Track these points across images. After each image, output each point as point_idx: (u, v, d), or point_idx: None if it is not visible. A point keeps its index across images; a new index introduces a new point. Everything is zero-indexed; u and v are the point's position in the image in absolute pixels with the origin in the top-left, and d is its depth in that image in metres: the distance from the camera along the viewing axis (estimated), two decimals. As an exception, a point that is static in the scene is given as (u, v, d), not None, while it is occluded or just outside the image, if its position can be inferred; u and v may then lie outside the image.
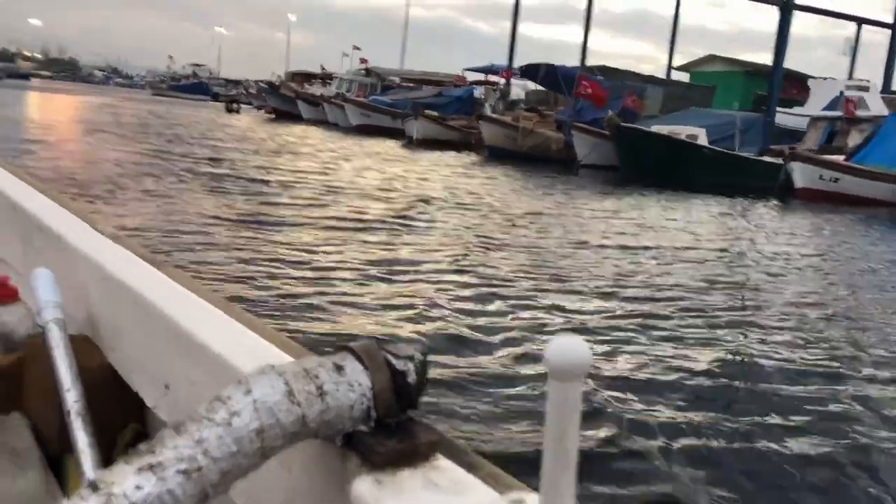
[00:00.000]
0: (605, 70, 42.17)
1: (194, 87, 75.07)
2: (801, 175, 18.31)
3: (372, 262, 7.02)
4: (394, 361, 0.74)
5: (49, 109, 34.02)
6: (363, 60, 48.41)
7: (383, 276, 6.57)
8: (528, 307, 5.95)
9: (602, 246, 9.33)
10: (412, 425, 0.75)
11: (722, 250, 10.04)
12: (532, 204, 13.35)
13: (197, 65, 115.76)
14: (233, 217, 8.67)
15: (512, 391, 4.09)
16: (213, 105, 57.79)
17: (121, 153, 14.91)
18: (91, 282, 1.35)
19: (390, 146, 26.87)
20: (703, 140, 20.60)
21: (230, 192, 10.83)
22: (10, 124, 20.41)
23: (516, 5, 47.03)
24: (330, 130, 34.45)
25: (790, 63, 27.21)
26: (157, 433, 0.68)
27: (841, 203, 17.51)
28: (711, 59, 55.59)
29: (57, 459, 1.27)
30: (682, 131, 20.73)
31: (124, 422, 1.26)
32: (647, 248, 9.47)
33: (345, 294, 5.84)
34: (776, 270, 8.87)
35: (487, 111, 29.90)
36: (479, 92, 36.76)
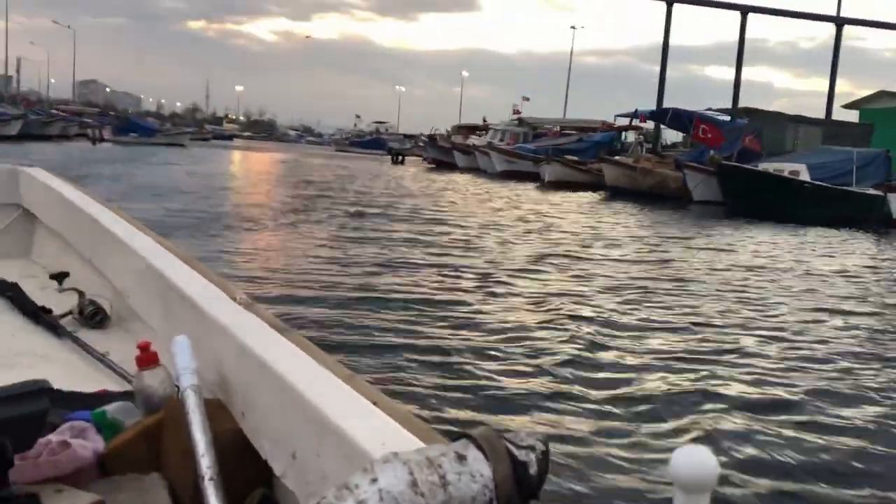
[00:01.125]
0: (750, 111, 42.69)
1: (371, 142, 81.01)
2: (900, 206, 18.91)
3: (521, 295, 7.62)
4: (515, 452, 0.74)
5: (240, 162, 39.37)
6: (516, 111, 51.39)
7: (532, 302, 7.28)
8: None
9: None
10: None
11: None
12: (639, 232, 15.21)
13: (380, 122, 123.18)
14: (353, 242, 11.44)
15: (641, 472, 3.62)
16: (386, 158, 62.89)
17: (284, 195, 18.49)
18: (225, 349, 1.42)
19: (526, 188, 29.30)
20: (804, 175, 21.43)
21: (362, 226, 13.24)
22: (210, 174, 24.94)
23: (665, 49, 48.67)
24: (478, 176, 37.40)
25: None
26: (283, 500, 0.82)
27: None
28: (880, 95, 53.81)
29: None
30: (784, 168, 21.71)
31: (252, 485, 1.29)
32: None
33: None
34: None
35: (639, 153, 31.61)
36: (633, 136, 38.53)
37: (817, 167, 23.28)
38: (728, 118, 40.99)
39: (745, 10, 49.14)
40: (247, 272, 7.68)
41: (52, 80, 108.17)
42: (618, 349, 5.76)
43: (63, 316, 2.04)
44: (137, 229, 2.19)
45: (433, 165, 48.82)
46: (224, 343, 1.43)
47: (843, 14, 50.94)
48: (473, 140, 49.35)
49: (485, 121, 63.53)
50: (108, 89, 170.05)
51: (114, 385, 1.63)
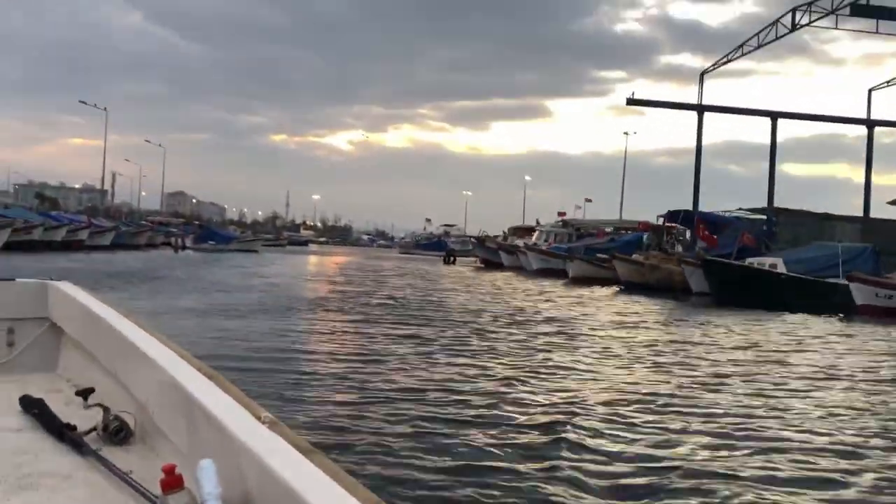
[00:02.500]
0: (780, 211, 45.07)
1: (434, 244, 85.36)
2: (859, 293, 21.22)
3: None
4: None
5: (301, 265, 43.42)
6: (561, 214, 54.86)
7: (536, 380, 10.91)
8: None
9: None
10: None
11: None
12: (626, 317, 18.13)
13: (448, 225, 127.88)
14: (395, 328, 14.78)
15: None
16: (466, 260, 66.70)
17: (339, 288, 22.11)
18: (250, 473, 1.42)
19: (554, 283, 32.32)
20: (781, 268, 23.95)
21: (403, 316, 16.85)
22: (268, 274, 28.87)
23: (698, 152, 51.73)
24: (519, 274, 40.61)
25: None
26: None
27: (894, 316, 20.16)
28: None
29: None
30: (766, 262, 24.31)
31: None
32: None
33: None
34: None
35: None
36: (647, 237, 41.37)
37: (806, 261, 25.71)
38: (754, 217, 43.58)
39: (774, 116, 52.07)
40: (262, 345, 10.94)
41: (144, 193, 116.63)
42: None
43: (87, 433, 2.02)
44: (161, 343, 2.22)
45: (482, 265, 52.32)
46: (249, 466, 1.42)
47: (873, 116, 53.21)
48: (518, 241, 52.82)
49: (538, 222, 67.22)
50: (194, 200, 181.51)
51: None
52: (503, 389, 8.02)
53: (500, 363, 9.84)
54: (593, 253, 38.17)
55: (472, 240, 64.56)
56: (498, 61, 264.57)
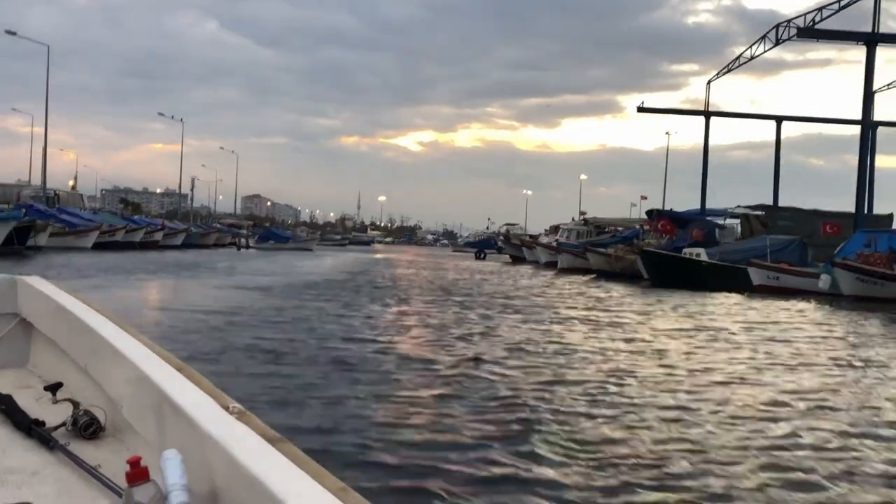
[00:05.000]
0: (768, 208, 49.25)
1: (482, 242, 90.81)
2: (756, 275, 26.10)
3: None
4: None
5: (346, 261, 49.67)
6: (583, 213, 59.78)
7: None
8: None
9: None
10: None
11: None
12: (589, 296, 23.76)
13: (510, 224, 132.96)
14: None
15: None
16: (491, 255, 72.20)
17: (339, 277, 28.18)
18: (217, 463, 1.43)
19: (546, 273, 37.75)
20: (704, 257, 28.92)
21: (371, 292, 22.90)
22: (307, 265, 35.17)
23: (705, 151, 55.88)
24: (532, 267, 46.14)
25: None
26: None
27: (781, 293, 24.96)
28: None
29: None
30: (692, 251, 29.33)
31: None
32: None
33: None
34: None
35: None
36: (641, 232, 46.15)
37: (741, 251, 30.49)
38: (755, 213, 47.71)
39: (779, 119, 55.94)
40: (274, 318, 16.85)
41: (220, 197, 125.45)
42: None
43: (56, 428, 1.97)
44: (132, 337, 2.20)
45: (510, 260, 57.90)
46: (216, 457, 1.43)
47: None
48: (544, 238, 58.13)
49: (582, 213, 72.17)
50: (268, 203, 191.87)
51: (105, 500, 1.60)
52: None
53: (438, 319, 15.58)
54: (594, 248, 43.30)
55: (501, 237, 70.11)
56: (567, 58, 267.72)
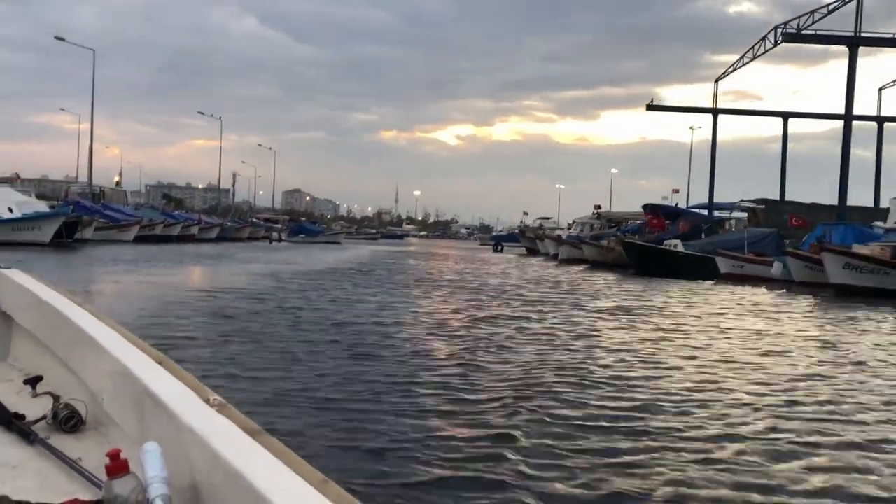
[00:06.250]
0: (768, 202, 51.33)
1: (503, 235, 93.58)
2: (723, 264, 28.62)
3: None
4: None
5: (366, 252, 52.88)
6: (596, 206, 62.14)
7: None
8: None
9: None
10: None
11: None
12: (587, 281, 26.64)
13: (544, 217, 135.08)
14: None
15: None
16: (514, 248, 74.89)
17: (347, 266, 31.32)
18: (196, 455, 1.44)
19: (552, 265, 40.52)
20: (680, 248, 31.46)
21: (363, 278, 26.01)
22: (327, 257, 38.40)
23: (713, 149, 57.81)
24: (541, 259, 48.88)
25: None
26: None
27: (744, 280, 27.45)
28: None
29: None
30: (671, 243, 31.90)
31: None
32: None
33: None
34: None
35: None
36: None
37: (721, 242, 32.93)
38: (757, 207, 49.90)
39: (785, 116, 57.76)
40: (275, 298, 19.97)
41: (261, 192, 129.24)
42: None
43: (36, 422, 1.97)
44: (113, 329, 2.19)
45: (525, 252, 60.65)
46: (196, 449, 1.43)
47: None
48: (559, 231, 60.79)
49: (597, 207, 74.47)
50: (307, 197, 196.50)
51: (86, 493, 1.58)
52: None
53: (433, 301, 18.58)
54: (599, 240, 45.91)
55: (516, 230, 72.79)
56: (604, 50, 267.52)
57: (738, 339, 11.98)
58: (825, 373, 8.98)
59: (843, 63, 38.37)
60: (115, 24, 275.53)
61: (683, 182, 59.09)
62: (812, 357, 10.32)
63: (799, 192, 45.85)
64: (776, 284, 25.85)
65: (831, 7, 39.97)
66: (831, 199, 49.70)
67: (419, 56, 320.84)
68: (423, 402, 6.64)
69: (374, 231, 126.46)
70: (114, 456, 1.44)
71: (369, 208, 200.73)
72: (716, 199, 52.90)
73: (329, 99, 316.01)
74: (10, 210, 36.65)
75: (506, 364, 8.62)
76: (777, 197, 57.39)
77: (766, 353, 10.45)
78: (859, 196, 55.50)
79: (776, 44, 45.75)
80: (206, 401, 1.61)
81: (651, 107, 57.76)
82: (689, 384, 7.84)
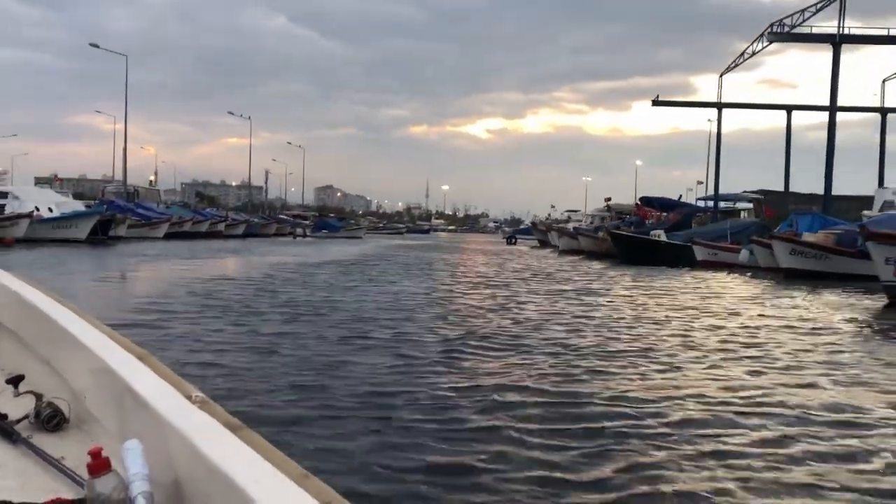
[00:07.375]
0: (769, 193, 53.04)
1: (523, 229, 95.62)
2: (699, 252, 30.78)
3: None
4: None
5: (391, 245, 55.33)
6: (607, 199, 64.17)
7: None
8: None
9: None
10: None
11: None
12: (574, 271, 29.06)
13: (572, 210, 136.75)
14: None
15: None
16: (528, 240, 77.16)
17: (353, 258, 34.01)
18: (178, 452, 1.45)
19: (553, 255, 42.82)
20: (662, 238, 33.62)
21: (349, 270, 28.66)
22: (342, 250, 41.10)
23: (718, 142, 59.44)
24: (552, 252, 51.15)
25: None
26: None
27: (717, 267, 29.59)
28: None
29: None
30: (655, 233, 34.07)
31: None
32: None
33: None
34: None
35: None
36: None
37: (705, 232, 34.99)
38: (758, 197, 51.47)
39: (789, 109, 59.22)
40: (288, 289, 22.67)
41: (293, 189, 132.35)
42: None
43: (19, 421, 1.96)
44: (94, 327, 2.19)
45: (538, 244, 62.96)
46: (177, 445, 1.44)
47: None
48: (568, 224, 63.01)
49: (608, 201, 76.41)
50: (339, 193, 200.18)
51: (68, 492, 1.59)
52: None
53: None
54: (598, 231, 48.06)
55: (529, 223, 75.07)
56: (636, 40, 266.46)
57: (649, 309, 14.38)
58: (702, 328, 11.38)
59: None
60: (148, 25, 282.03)
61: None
62: (708, 321, 12.61)
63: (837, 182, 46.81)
64: (745, 270, 27.97)
65: (819, 6, 41.65)
66: (855, 188, 51.40)
67: (448, 50, 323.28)
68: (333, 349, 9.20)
69: (401, 226, 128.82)
70: (95, 454, 1.44)
71: (400, 203, 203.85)
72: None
73: (358, 95, 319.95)
74: (51, 209, 40.01)
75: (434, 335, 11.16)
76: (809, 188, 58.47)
77: (668, 318, 12.88)
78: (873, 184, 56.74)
79: (770, 42, 47.43)
80: (188, 397, 1.63)
81: (656, 102, 59.55)
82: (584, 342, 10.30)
